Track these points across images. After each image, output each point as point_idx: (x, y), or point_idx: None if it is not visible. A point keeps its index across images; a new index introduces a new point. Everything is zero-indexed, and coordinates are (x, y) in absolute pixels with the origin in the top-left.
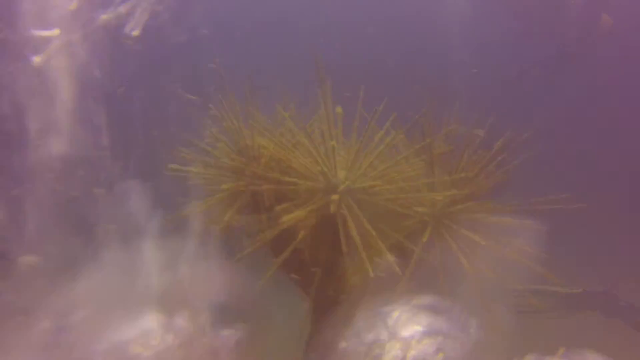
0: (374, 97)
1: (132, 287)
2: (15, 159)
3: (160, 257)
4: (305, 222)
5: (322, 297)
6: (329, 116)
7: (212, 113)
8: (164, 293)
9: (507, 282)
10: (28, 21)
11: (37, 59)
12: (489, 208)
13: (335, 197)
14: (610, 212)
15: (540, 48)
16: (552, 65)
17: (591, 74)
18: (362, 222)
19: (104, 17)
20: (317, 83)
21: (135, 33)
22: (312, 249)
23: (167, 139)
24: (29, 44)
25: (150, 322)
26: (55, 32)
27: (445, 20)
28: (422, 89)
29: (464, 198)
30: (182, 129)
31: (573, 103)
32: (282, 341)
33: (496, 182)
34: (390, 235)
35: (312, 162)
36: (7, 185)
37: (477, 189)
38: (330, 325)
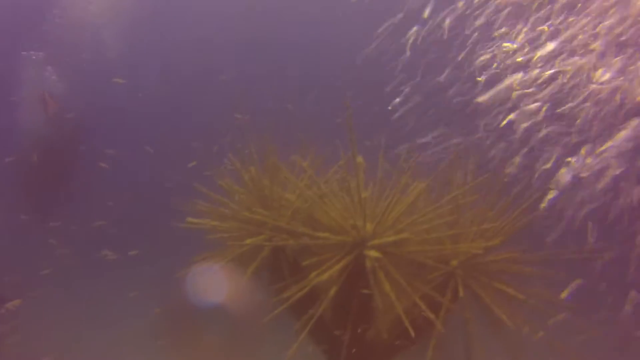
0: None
1: None
2: None
3: None
4: (334, 279)
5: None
6: (356, 166)
7: (229, 162)
8: None
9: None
10: None
11: None
12: (514, 258)
13: (373, 252)
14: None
15: None
16: None
17: None
18: (393, 277)
19: None
20: (338, 132)
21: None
22: (337, 309)
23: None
24: None
25: None
26: None
27: None
28: None
29: (489, 249)
30: (197, 178)
31: None
32: None
33: (517, 230)
34: (419, 287)
35: (342, 214)
36: None
37: (501, 238)
38: None
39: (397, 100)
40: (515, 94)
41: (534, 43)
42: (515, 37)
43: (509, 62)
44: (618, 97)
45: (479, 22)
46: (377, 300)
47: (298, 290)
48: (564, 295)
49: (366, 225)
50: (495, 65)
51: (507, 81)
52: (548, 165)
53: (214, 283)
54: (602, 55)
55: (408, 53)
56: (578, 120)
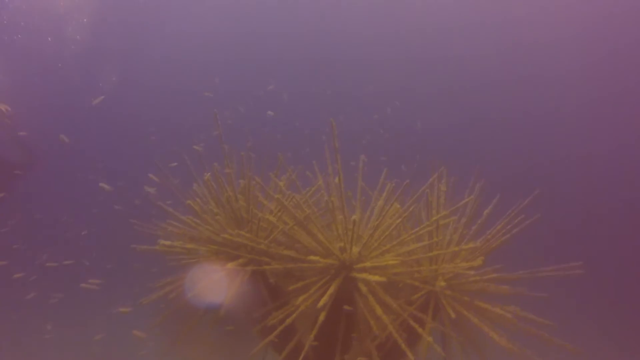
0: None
1: None
2: None
3: None
4: (322, 303)
5: None
6: (341, 188)
7: (204, 182)
8: None
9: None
10: None
11: None
12: (493, 278)
13: (367, 276)
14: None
15: None
16: None
17: None
18: (383, 299)
19: None
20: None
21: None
22: (321, 335)
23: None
24: None
25: None
26: None
27: None
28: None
29: (470, 268)
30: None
31: None
32: None
33: (495, 249)
34: (406, 308)
35: (326, 237)
36: None
37: (481, 257)
38: None
39: None
40: None
41: None
42: None
43: None
44: None
45: None
46: (365, 323)
47: (285, 316)
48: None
49: (352, 248)
50: None
51: None
52: None
53: (191, 307)
54: None
55: None
56: None
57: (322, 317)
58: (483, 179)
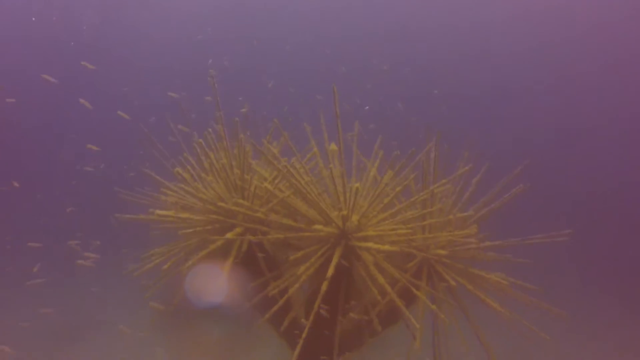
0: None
1: None
2: None
3: None
4: (328, 274)
5: None
6: (341, 155)
7: (196, 147)
8: None
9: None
10: None
11: None
12: (484, 246)
13: (375, 245)
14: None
15: None
16: None
17: None
18: (384, 268)
19: None
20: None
21: None
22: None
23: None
24: None
25: None
26: None
27: None
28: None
29: (466, 236)
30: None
31: None
32: None
33: (486, 218)
34: (400, 277)
35: (329, 205)
36: None
37: (474, 225)
38: None
39: None
40: None
41: None
42: None
43: None
44: None
45: None
46: (364, 290)
47: (286, 286)
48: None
49: (352, 216)
50: None
51: None
52: None
53: (190, 281)
54: None
55: None
56: None
57: (324, 287)
58: (475, 151)
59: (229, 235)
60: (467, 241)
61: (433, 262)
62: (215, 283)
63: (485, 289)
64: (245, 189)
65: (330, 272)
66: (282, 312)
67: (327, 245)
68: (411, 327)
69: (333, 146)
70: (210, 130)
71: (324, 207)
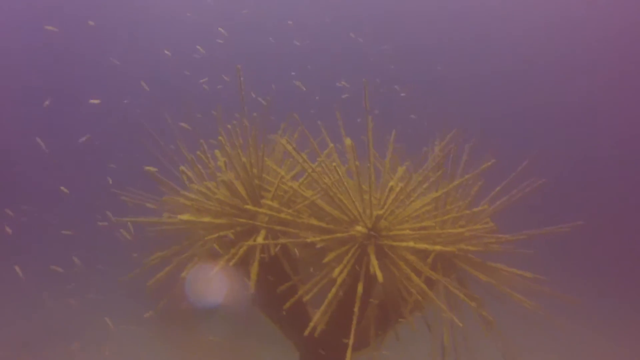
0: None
1: None
2: None
3: None
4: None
5: None
6: (371, 152)
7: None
8: None
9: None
10: None
11: None
12: (499, 239)
13: (409, 243)
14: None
15: None
16: None
17: None
18: (414, 266)
19: None
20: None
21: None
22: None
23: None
24: None
25: None
26: None
27: None
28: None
29: (487, 230)
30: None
31: None
32: None
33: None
34: (423, 271)
35: (353, 204)
36: None
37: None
38: None
39: None
40: None
41: None
42: None
43: None
44: None
45: None
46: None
47: (318, 288)
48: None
49: (388, 216)
50: None
51: None
52: None
53: (212, 285)
54: None
55: None
56: None
57: (360, 288)
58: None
59: (259, 239)
60: (490, 236)
61: (454, 258)
62: (238, 287)
63: (509, 284)
64: (264, 188)
65: (378, 273)
66: (303, 316)
67: (356, 245)
68: (435, 323)
69: (348, 141)
70: (229, 126)
71: (357, 207)
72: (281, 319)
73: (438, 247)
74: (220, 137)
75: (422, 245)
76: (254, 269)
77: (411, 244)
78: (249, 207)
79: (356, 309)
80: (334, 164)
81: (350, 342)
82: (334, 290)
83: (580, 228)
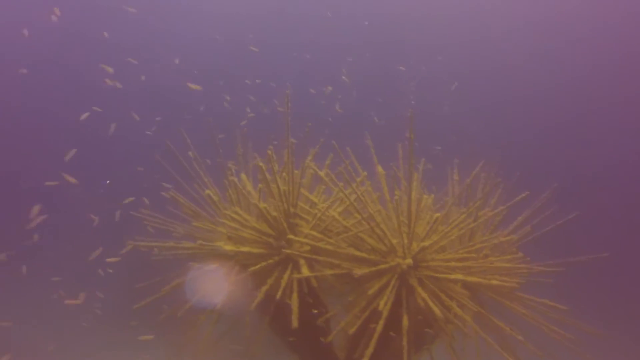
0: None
1: None
2: None
3: None
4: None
5: None
6: (410, 182)
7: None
8: None
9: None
10: None
11: None
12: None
13: (450, 275)
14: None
15: None
16: None
17: None
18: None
19: None
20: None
21: None
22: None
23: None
24: None
25: None
26: None
27: None
28: None
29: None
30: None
31: None
32: None
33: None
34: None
35: (390, 234)
36: None
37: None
38: None
39: None
40: None
41: None
42: None
43: None
44: None
45: None
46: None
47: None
48: None
49: (412, 245)
50: None
51: None
52: None
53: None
54: None
55: None
56: None
57: (405, 321)
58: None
59: (304, 270)
60: (518, 266)
61: (485, 288)
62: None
63: (537, 313)
64: (298, 215)
65: (433, 306)
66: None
67: (396, 276)
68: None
69: (380, 169)
70: (269, 151)
71: (394, 238)
72: (302, 347)
73: (495, 282)
74: (260, 163)
75: (473, 279)
76: (295, 301)
77: (459, 276)
78: (291, 237)
79: (405, 343)
80: (373, 195)
81: None
82: (381, 322)
83: (605, 259)
